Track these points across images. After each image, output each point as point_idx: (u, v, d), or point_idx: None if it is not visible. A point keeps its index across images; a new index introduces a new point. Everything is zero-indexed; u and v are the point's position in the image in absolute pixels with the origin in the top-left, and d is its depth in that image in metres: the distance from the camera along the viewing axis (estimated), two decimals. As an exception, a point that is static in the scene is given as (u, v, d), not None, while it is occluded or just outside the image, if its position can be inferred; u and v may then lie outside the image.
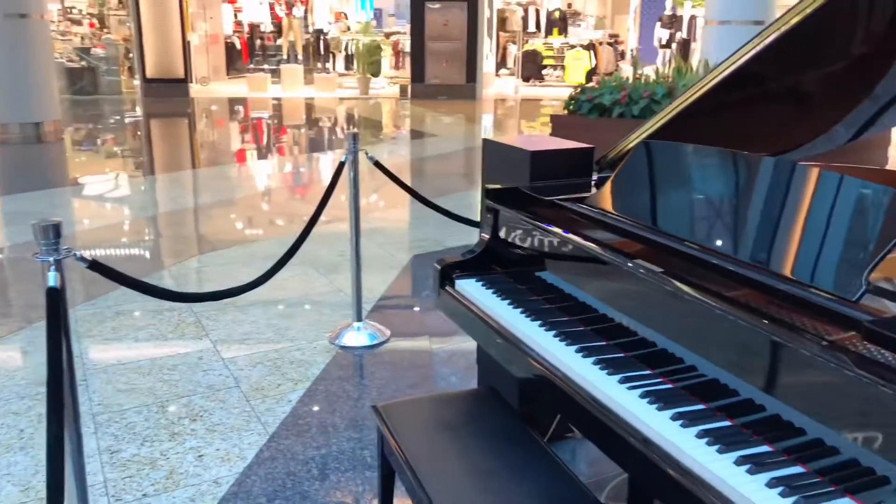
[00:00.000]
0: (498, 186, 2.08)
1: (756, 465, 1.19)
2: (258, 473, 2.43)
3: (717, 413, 1.35)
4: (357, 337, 3.47)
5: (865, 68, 2.05)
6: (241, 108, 14.02)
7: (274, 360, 3.27)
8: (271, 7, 19.79)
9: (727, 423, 1.32)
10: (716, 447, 1.24)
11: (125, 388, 3.01)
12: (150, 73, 15.08)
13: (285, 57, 18.96)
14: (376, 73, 16.94)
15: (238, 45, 18.80)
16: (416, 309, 3.94)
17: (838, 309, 1.26)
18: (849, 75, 2.08)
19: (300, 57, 18.95)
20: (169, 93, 14.91)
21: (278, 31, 19.70)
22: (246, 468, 2.46)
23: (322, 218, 3.50)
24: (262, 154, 9.49)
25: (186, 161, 8.93)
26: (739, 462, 1.20)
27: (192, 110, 13.51)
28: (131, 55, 15.98)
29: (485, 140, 2.57)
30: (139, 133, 11.00)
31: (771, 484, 1.14)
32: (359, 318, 3.55)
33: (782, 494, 1.12)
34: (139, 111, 13.32)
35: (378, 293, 4.12)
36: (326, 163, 8.70)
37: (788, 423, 1.25)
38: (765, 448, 1.24)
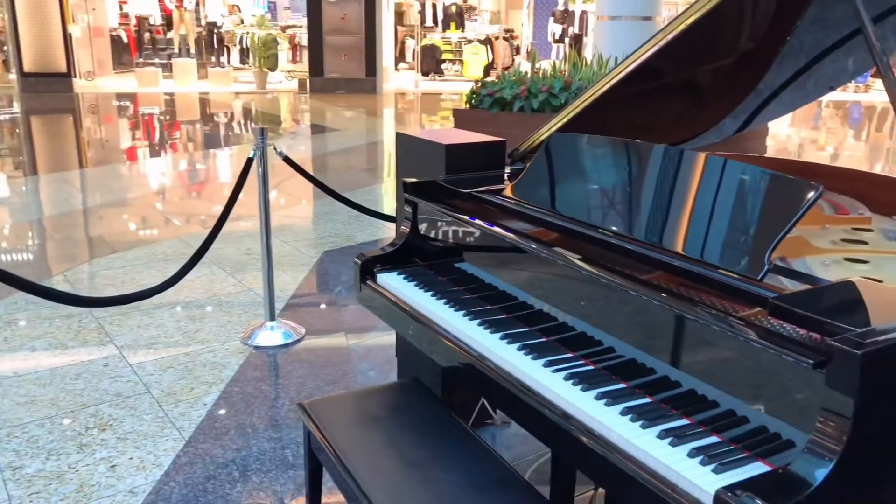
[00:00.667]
0: (415, 180, 2.10)
1: (677, 437, 1.26)
2: (176, 480, 2.36)
3: (637, 391, 1.43)
4: (271, 336, 3.42)
5: (750, 65, 2.19)
6: (131, 103, 13.41)
7: (185, 363, 3.18)
8: (159, -1, 19.01)
9: (647, 399, 1.40)
10: (639, 423, 1.31)
11: (24, 401, 2.85)
12: (28, 67, 14.18)
13: (177, 51, 18.26)
14: (273, 67, 16.57)
15: (125, 39, 17.95)
16: (330, 305, 3.91)
17: (745, 287, 1.36)
18: (736, 71, 2.23)
19: (192, 51, 18.30)
20: (50, 88, 14.08)
21: (168, 24, 18.94)
22: (163, 475, 2.39)
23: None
24: (157, 151, 9.12)
25: (73, 160, 8.47)
26: (662, 436, 1.27)
27: (77, 106, 12.81)
28: (6, 48, 14.98)
29: (398, 133, 2.58)
30: (17, 131, 10.34)
31: (691, 454, 1.22)
32: (272, 317, 3.49)
33: (702, 463, 1.20)
34: (17, 107, 12.52)
35: (289, 291, 4.06)
36: (224, 159, 8.46)
37: (703, 397, 1.34)
38: (683, 421, 1.32)
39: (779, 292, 1.32)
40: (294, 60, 18.40)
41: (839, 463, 1.06)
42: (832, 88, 2.29)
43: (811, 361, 1.11)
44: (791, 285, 1.38)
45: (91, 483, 2.35)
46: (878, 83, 16.14)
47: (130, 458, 2.48)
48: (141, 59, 18.17)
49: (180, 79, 15.93)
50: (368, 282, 2.08)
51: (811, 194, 1.40)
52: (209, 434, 2.63)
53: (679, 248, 1.53)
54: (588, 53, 11.09)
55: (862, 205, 2.04)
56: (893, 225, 1.93)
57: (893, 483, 1.15)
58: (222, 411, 2.79)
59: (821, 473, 1.06)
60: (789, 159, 2.52)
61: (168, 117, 12.01)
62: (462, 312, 1.78)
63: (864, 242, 1.75)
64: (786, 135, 10.65)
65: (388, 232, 5.25)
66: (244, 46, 17.72)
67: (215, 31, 18.62)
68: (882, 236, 1.82)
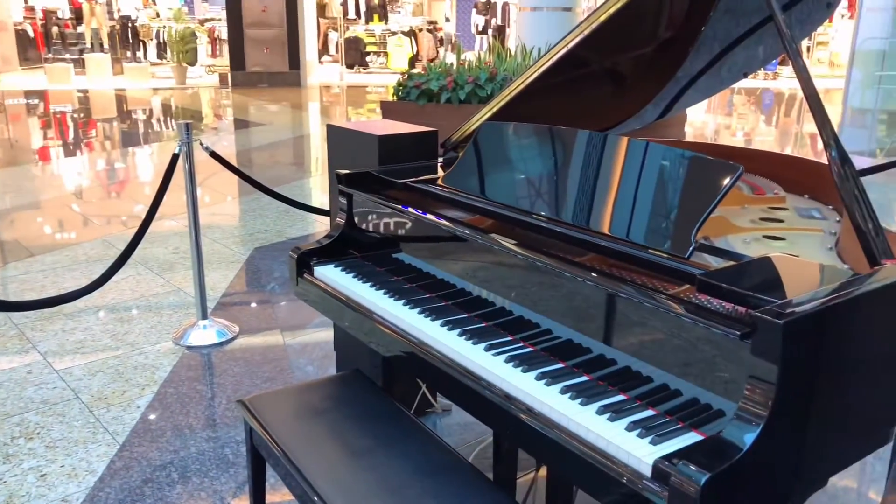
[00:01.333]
0: (349, 171, 2.10)
1: (615, 412, 1.31)
2: (112, 486, 2.30)
3: (575, 370, 1.47)
4: (204, 335, 3.35)
5: (669, 54, 2.28)
6: (41, 101, 12.83)
7: (115, 366, 3.09)
8: (68, -10, 18.21)
9: (585, 377, 1.45)
10: (578, 400, 1.36)
11: (-58, 414, 2.72)
12: (-74, 65, 13.40)
13: (89, 45, 17.54)
14: (192, 62, 16.11)
15: (31, 33, 17.14)
16: (264, 302, 3.86)
17: (673, 266, 1.42)
18: (655, 60, 2.31)
19: (106, 45, 17.62)
20: (-48, 86, 13.33)
21: (78, 18, 18.17)
22: (97, 482, 2.32)
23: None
24: (72, 151, 8.76)
25: (-18, 161, 8.06)
26: (600, 411, 1.32)
27: (-18, 105, 12.18)
28: None
29: (329, 126, 2.57)
30: (-81, 132, 9.76)
31: (629, 428, 1.27)
32: (204, 316, 3.42)
33: (640, 436, 1.25)
34: (-84, 107, 11.81)
35: (221, 289, 3.98)
36: (144, 157, 8.21)
37: (638, 373, 1.39)
38: (620, 397, 1.37)
39: (705, 269, 1.38)
40: (214, 54, 17.96)
41: (766, 427, 1.13)
42: (745, 75, 2.40)
43: (738, 333, 1.17)
44: (716, 262, 1.45)
45: (21, 493, 2.27)
46: (785, 70, 16.88)
47: (62, 466, 2.40)
48: (50, 55, 17.38)
49: (94, 75, 15.33)
50: (305, 275, 2.07)
51: (732, 174, 1.47)
52: (144, 437, 2.57)
53: (610, 231, 1.58)
54: (511, 44, 11.21)
55: (777, 185, 2.15)
56: (805, 203, 2.05)
57: (813, 442, 1.23)
58: (157, 413, 2.73)
59: (749, 438, 1.13)
60: (707, 143, 2.62)
61: (82, 115, 11.55)
62: (402, 301, 1.79)
63: (780, 220, 1.85)
64: (702, 121, 11.04)
65: (319, 227, 5.21)
66: (161, 41, 17.18)
67: (129, 24, 17.97)
68: (796, 214, 1.92)
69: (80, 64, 16.13)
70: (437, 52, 18.11)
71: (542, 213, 1.72)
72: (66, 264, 4.37)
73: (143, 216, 3.30)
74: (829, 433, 1.26)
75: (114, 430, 2.61)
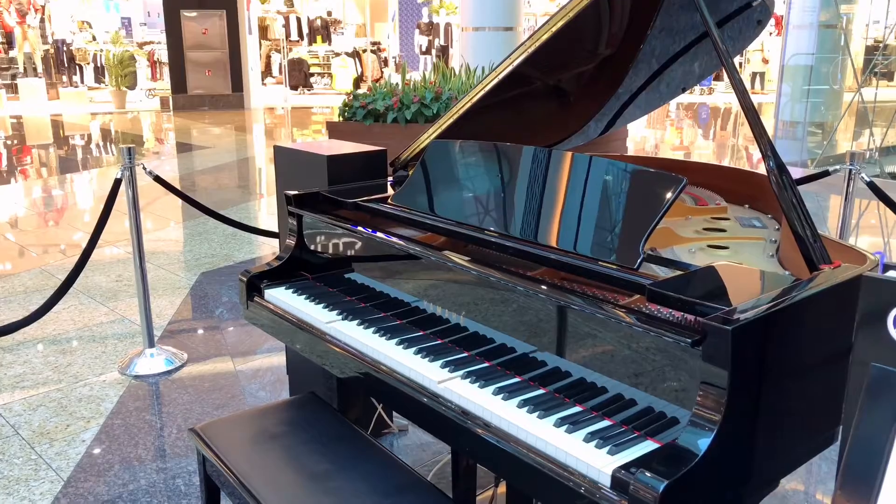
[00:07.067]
0: (298, 192, 2.08)
1: (572, 424, 1.32)
2: (57, 524, 2.22)
3: (531, 383, 1.48)
4: (151, 364, 3.26)
5: (609, 71, 2.33)
6: (-29, 128, 12.38)
7: (58, 399, 2.98)
8: (-2, 14, 17.66)
9: (542, 391, 1.46)
10: (536, 413, 1.37)
11: None
12: None
13: (22, 70, 17.05)
14: (132, 86, 15.80)
15: (-40, 58, 16.57)
16: (212, 328, 3.78)
17: (623, 277, 1.45)
18: (597, 77, 2.36)
19: (40, 70, 17.14)
20: None
21: (9, 42, 17.64)
22: (41, 521, 2.23)
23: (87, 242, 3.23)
24: (5, 178, 8.48)
25: None
26: (558, 424, 1.33)
27: None
28: None
29: (276, 147, 2.55)
30: None
31: (587, 439, 1.28)
32: (151, 344, 3.34)
33: (598, 446, 1.26)
34: None
35: (167, 316, 3.89)
36: (83, 183, 7.99)
37: (593, 384, 1.41)
38: (577, 409, 1.39)
39: (654, 279, 1.41)
40: (154, 78, 17.64)
41: (719, 431, 1.15)
42: (683, 90, 2.47)
43: (689, 340, 1.20)
44: (663, 272, 1.49)
45: (-41, 538, 2.16)
46: (720, 85, 17.43)
47: (3, 507, 2.30)
48: (-20, 81, 16.81)
49: (28, 100, 14.91)
50: (256, 298, 2.04)
51: (676, 186, 1.51)
52: (90, 472, 2.48)
53: (560, 244, 1.60)
54: (455, 64, 11.32)
55: (718, 196, 2.21)
56: (746, 213, 2.11)
57: (765, 445, 1.26)
58: (104, 446, 2.64)
59: (704, 443, 1.15)
60: (650, 157, 2.68)
61: (16, 141, 11.19)
62: (357, 321, 1.78)
63: (723, 230, 1.90)
64: (642, 136, 11.29)
65: (267, 249, 5.14)
66: (99, 64, 16.81)
67: (65, 48, 17.54)
68: (738, 224, 1.98)
69: (12, 89, 15.67)
70: (382, 72, 18.16)
71: (493, 229, 1.74)
72: (1, 296, 4.21)
73: (84, 244, 3.21)
74: (779, 435, 1.30)
75: (57, 466, 2.51)
